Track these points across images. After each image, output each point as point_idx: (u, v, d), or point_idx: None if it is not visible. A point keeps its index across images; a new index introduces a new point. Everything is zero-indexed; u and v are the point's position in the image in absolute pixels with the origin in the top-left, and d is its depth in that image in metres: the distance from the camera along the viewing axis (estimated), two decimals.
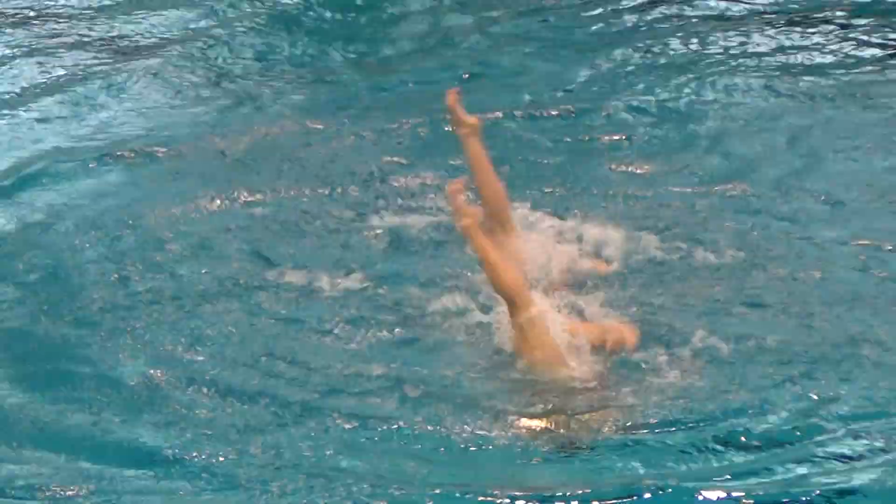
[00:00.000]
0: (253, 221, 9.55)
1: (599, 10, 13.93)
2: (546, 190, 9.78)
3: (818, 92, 11.66)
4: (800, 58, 12.55)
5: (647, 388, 7.39)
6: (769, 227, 9.20)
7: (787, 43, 12.85)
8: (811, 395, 7.30)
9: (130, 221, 9.57)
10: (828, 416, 7.12)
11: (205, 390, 7.55)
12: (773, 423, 7.11)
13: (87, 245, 9.27)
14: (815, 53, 12.63)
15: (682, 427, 7.12)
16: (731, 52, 12.71)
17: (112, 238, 9.36)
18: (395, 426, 7.16)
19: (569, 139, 10.85)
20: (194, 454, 6.97)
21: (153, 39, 13.78)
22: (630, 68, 12.43)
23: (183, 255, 9.07)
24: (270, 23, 13.86)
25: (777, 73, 12.09)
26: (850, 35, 12.98)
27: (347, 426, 7.19)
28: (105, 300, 8.51)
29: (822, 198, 9.65)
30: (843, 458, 6.80)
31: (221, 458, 6.94)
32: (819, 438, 6.97)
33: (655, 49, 12.83)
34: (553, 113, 11.34)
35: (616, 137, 10.87)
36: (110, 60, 13.15)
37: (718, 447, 6.96)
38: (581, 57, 12.79)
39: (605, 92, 11.87)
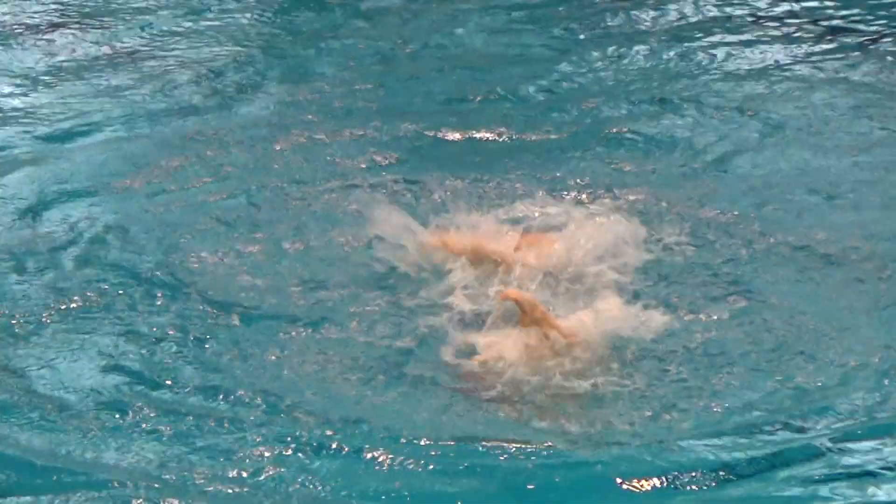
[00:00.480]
0: (199, 217, 9.19)
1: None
2: (546, 181, 9.63)
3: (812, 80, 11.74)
4: (799, 52, 12.52)
5: (643, 397, 7.20)
6: (771, 226, 8.95)
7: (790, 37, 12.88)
8: (825, 404, 7.06)
9: (61, 216, 9.19)
10: (845, 427, 6.87)
11: (146, 407, 7.15)
12: (783, 438, 6.83)
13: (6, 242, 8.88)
14: (811, 47, 12.63)
15: (681, 440, 6.83)
16: (728, 49, 12.61)
17: (35, 234, 9.00)
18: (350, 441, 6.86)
19: (558, 134, 10.65)
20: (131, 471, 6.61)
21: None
22: (618, 63, 12.34)
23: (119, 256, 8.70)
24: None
25: (774, 68, 12.07)
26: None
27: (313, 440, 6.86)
28: (18, 303, 8.13)
29: (821, 196, 9.51)
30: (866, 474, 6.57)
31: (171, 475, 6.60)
32: (836, 456, 6.70)
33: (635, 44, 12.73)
34: (543, 101, 11.30)
35: (604, 134, 10.69)
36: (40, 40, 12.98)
37: (721, 466, 6.65)
38: (572, 48, 12.67)
39: (595, 88, 11.73)
